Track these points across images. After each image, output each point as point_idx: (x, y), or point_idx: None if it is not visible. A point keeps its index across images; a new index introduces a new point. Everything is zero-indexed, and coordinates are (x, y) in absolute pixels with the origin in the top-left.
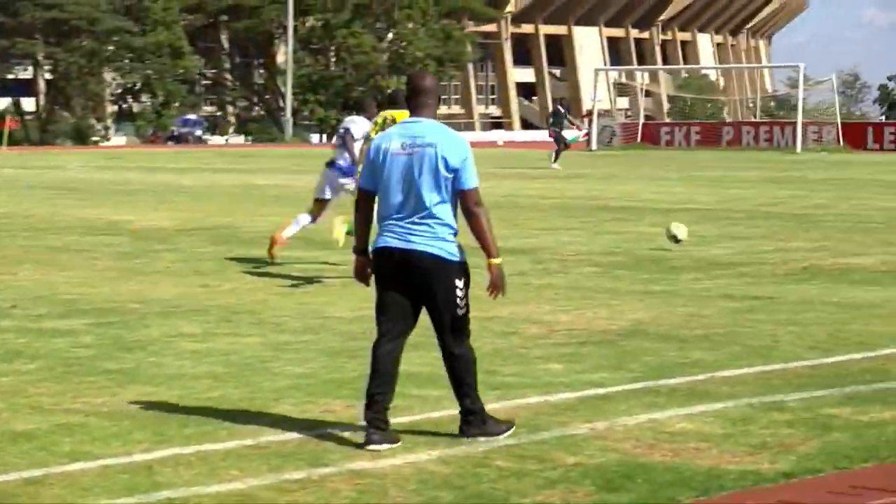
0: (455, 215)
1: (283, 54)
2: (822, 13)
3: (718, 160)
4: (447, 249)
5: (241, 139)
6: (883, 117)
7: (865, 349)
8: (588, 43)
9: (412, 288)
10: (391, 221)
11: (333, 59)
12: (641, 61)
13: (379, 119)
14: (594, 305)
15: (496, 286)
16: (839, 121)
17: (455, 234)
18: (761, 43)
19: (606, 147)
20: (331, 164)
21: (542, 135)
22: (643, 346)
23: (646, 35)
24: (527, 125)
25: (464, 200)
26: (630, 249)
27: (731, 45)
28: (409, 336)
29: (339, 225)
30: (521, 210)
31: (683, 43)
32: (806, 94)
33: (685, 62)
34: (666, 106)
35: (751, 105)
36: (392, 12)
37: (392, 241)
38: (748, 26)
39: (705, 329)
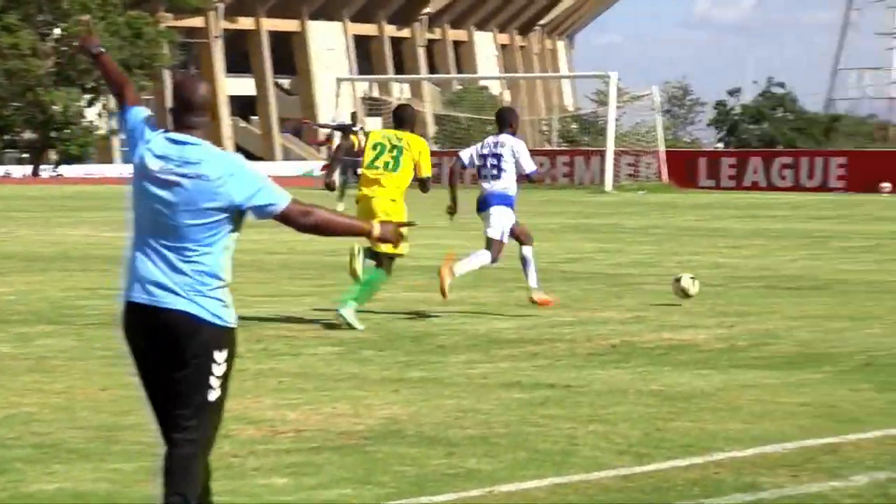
0: (224, 262)
1: None
2: (640, 7)
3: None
4: (206, 306)
5: None
6: (720, 144)
7: (693, 454)
8: (328, 44)
9: (160, 357)
10: (141, 265)
11: None
12: (400, 68)
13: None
14: (333, 398)
15: (388, 231)
16: (663, 149)
17: (223, 288)
18: (560, 45)
19: (353, 185)
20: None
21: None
22: (398, 452)
23: (406, 33)
24: (244, 155)
25: (291, 221)
26: (382, 322)
27: (521, 48)
28: None
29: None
30: (237, 270)
31: (457, 44)
32: (619, 113)
33: (459, 69)
34: (432, 128)
35: (545, 128)
36: (59, 1)
37: (137, 296)
38: (542, 22)
39: (482, 429)
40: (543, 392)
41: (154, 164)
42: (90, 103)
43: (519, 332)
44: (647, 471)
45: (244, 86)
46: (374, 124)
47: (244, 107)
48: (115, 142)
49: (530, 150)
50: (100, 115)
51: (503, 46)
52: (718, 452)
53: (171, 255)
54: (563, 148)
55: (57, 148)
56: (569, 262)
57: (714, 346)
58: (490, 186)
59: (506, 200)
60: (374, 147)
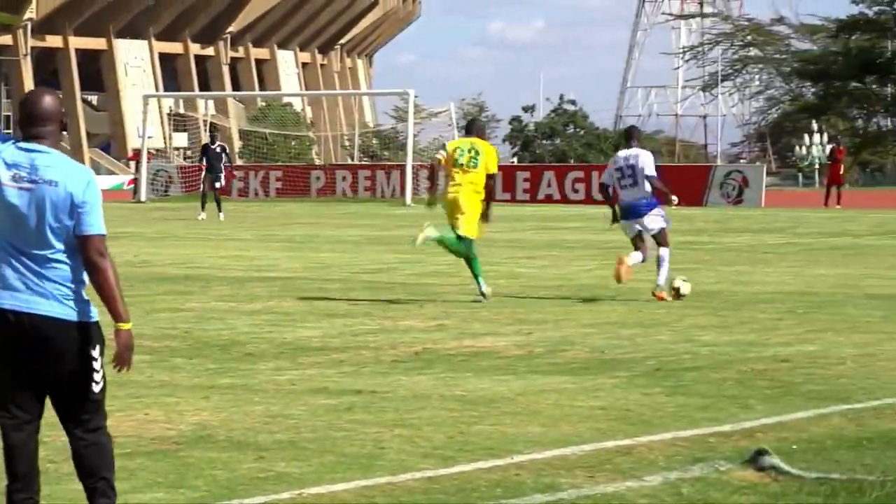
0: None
1: None
2: (436, 26)
3: (307, 214)
4: (74, 306)
5: None
6: (514, 159)
7: (495, 456)
8: (134, 61)
9: (30, 360)
10: (3, 272)
11: None
12: (205, 86)
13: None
14: (145, 405)
15: (124, 359)
16: None
17: (84, 288)
18: (360, 63)
19: (161, 197)
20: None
21: None
22: (210, 456)
23: (210, 51)
24: None
25: (87, 249)
26: (191, 331)
27: (322, 66)
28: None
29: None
30: None
31: (259, 62)
32: (417, 129)
33: (262, 86)
34: (238, 143)
35: (347, 143)
36: None
37: (8, 302)
38: (342, 42)
39: (291, 433)
40: (350, 398)
41: (6, 174)
42: None
43: (324, 340)
44: (452, 473)
45: None
46: (180, 140)
47: None
48: None
49: (332, 165)
50: None
51: (304, 64)
52: (519, 455)
53: (32, 261)
54: (364, 163)
55: None
56: (372, 273)
57: (513, 353)
58: (632, 196)
59: (651, 205)
60: (456, 153)
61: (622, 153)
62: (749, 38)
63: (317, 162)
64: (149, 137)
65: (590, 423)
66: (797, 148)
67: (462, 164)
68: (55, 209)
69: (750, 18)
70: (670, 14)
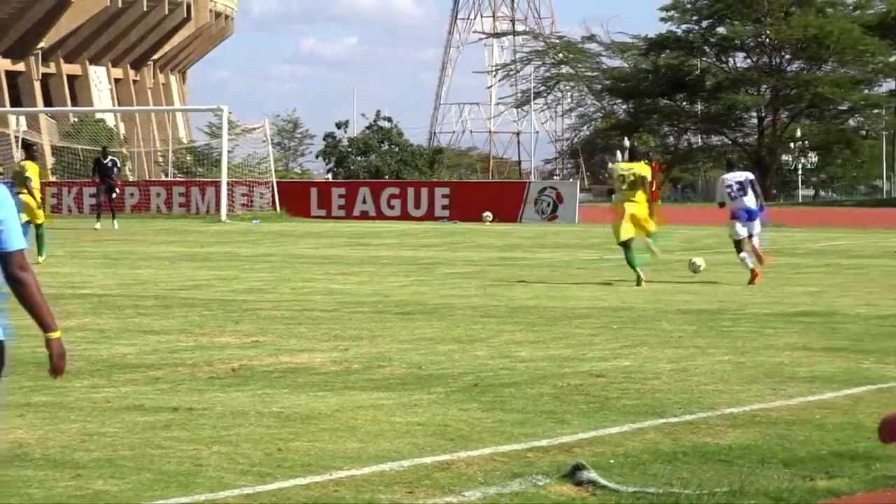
0: None
1: None
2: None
3: (121, 231)
4: None
5: None
6: (329, 175)
7: (313, 472)
8: None
9: None
10: None
11: None
12: (17, 101)
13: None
14: None
15: (60, 366)
16: (275, 180)
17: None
18: (173, 79)
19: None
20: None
21: None
22: (25, 475)
23: (21, 67)
24: None
25: (10, 264)
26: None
27: (135, 82)
28: None
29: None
30: None
31: (71, 78)
32: (232, 145)
33: (75, 102)
34: (51, 160)
35: (161, 159)
36: None
37: None
38: (155, 58)
39: (108, 451)
40: (166, 415)
41: None
42: None
43: (140, 358)
44: (270, 489)
45: None
46: None
47: None
48: None
49: (146, 181)
50: None
51: (117, 80)
52: (337, 471)
53: None
54: (178, 179)
55: None
56: (186, 290)
57: (330, 369)
58: (745, 202)
59: (758, 212)
60: (622, 176)
61: (730, 175)
62: (561, 55)
63: (130, 178)
64: None
65: (408, 438)
66: (609, 164)
67: (630, 188)
68: None
69: (561, 36)
70: (482, 32)
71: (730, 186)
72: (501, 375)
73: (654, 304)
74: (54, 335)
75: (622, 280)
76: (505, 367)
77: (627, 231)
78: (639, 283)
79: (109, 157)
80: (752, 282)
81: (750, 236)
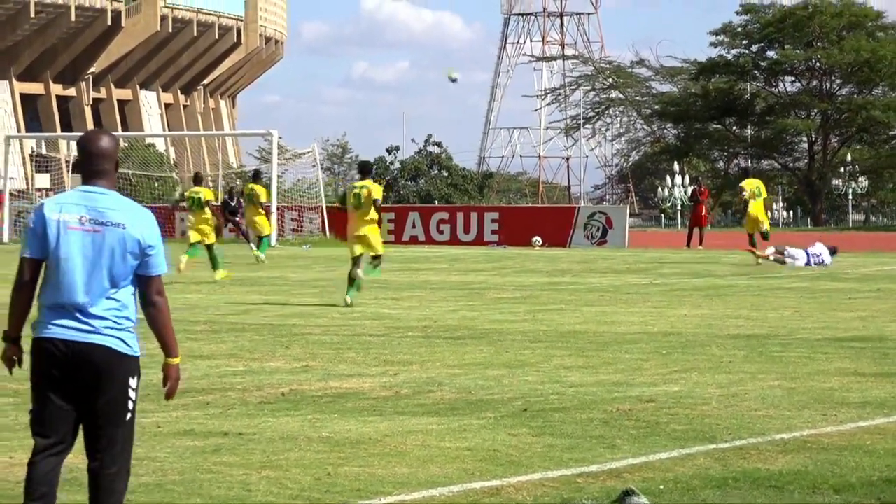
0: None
1: None
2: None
3: (172, 255)
4: (126, 341)
5: None
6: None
7: (362, 497)
8: None
9: (77, 388)
10: (60, 307)
11: None
12: (68, 126)
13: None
14: (10, 448)
15: (173, 390)
16: (324, 204)
17: (135, 325)
18: (223, 103)
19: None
20: None
21: None
22: (75, 500)
23: (72, 92)
24: None
25: (149, 288)
26: None
27: (185, 106)
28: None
29: None
30: None
31: (122, 102)
32: (282, 170)
33: (125, 127)
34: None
35: (211, 184)
36: None
37: (59, 332)
38: (205, 83)
39: (157, 476)
40: (216, 440)
41: (71, 217)
42: None
43: (190, 382)
44: None
45: None
46: (42, 181)
47: None
48: None
49: None
50: None
51: (167, 105)
52: (387, 496)
53: (92, 298)
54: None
55: None
56: (237, 314)
57: (379, 394)
58: None
59: None
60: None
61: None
62: (610, 80)
63: (181, 203)
64: (11, 179)
65: (457, 463)
66: (659, 189)
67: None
68: (122, 251)
69: (611, 61)
70: (532, 56)
71: None
72: (551, 400)
73: (704, 329)
74: (174, 361)
75: (669, 304)
76: (554, 391)
77: None
78: None
79: (237, 199)
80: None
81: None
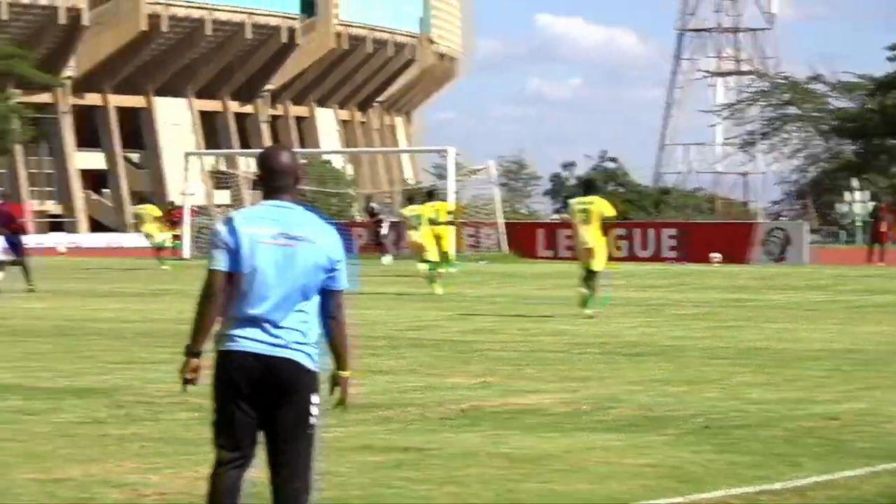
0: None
1: None
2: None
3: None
4: (312, 356)
5: None
6: (556, 216)
7: None
8: (174, 119)
9: (263, 402)
10: (250, 321)
11: None
12: (245, 143)
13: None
14: (194, 462)
15: (346, 400)
16: (501, 220)
17: (318, 341)
18: (399, 120)
19: (205, 255)
20: None
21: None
22: None
23: (249, 109)
24: (98, 226)
25: (332, 302)
26: None
27: (361, 123)
28: None
29: None
30: (93, 337)
31: (299, 119)
32: (458, 187)
33: (302, 144)
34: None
35: (388, 200)
36: None
37: (249, 345)
38: (380, 99)
39: (338, 491)
40: (397, 455)
41: (263, 231)
42: None
43: (370, 397)
44: None
45: (95, 160)
46: (222, 197)
47: (96, 180)
48: None
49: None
50: None
51: (344, 122)
52: None
53: (280, 313)
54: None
55: None
56: (415, 330)
57: (559, 410)
58: None
59: None
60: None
61: None
62: (786, 95)
63: (357, 219)
64: (191, 195)
65: (639, 480)
66: (838, 205)
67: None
68: (314, 265)
69: (787, 76)
70: (706, 71)
71: None
72: (732, 417)
73: (887, 346)
74: (346, 374)
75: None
76: (736, 408)
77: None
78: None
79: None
80: None
81: None
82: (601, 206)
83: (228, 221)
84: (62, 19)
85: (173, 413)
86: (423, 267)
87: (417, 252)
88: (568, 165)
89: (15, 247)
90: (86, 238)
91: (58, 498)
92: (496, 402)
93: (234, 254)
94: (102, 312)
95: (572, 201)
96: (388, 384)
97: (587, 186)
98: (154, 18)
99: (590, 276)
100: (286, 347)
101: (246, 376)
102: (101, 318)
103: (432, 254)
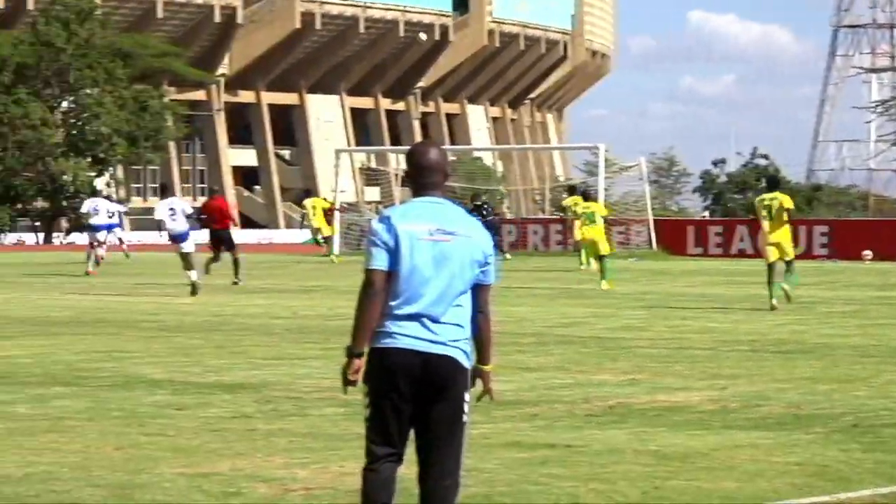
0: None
1: None
2: (627, 81)
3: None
4: (466, 352)
5: None
6: (706, 213)
7: None
8: (326, 116)
9: (419, 398)
10: (408, 318)
11: None
12: (396, 140)
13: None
14: (341, 457)
15: (491, 392)
16: (651, 217)
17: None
18: (550, 117)
19: (354, 251)
20: None
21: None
22: None
23: (400, 106)
24: (249, 222)
25: (482, 297)
26: None
27: (512, 120)
28: None
29: None
30: (242, 333)
31: (450, 116)
32: (608, 183)
33: (452, 140)
34: None
35: (538, 197)
36: (67, 74)
37: (409, 342)
38: (532, 96)
39: (485, 487)
40: (544, 451)
41: (420, 228)
42: (99, 173)
43: (518, 394)
44: None
45: (247, 156)
46: (372, 194)
47: (247, 177)
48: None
49: (523, 219)
50: (108, 184)
51: (495, 119)
52: None
53: (439, 309)
54: (555, 216)
55: (67, 216)
56: (563, 327)
57: (707, 408)
58: None
59: None
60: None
61: None
62: None
63: (508, 216)
64: (341, 192)
65: (786, 478)
66: None
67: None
68: (470, 260)
69: None
70: (861, 68)
71: None
72: (882, 416)
73: None
74: (489, 368)
75: None
76: (885, 407)
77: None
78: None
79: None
80: None
81: None
82: (783, 201)
83: (386, 220)
84: (217, 17)
85: (321, 408)
86: (593, 264)
87: (590, 247)
88: (718, 163)
89: (224, 241)
90: (236, 234)
91: (205, 492)
92: (643, 400)
93: (393, 252)
94: (251, 308)
95: (757, 199)
96: (535, 381)
97: (771, 183)
98: (308, 16)
99: (771, 269)
100: (445, 345)
101: (405, 373)
102: (251, 314)
103: (604, 248)
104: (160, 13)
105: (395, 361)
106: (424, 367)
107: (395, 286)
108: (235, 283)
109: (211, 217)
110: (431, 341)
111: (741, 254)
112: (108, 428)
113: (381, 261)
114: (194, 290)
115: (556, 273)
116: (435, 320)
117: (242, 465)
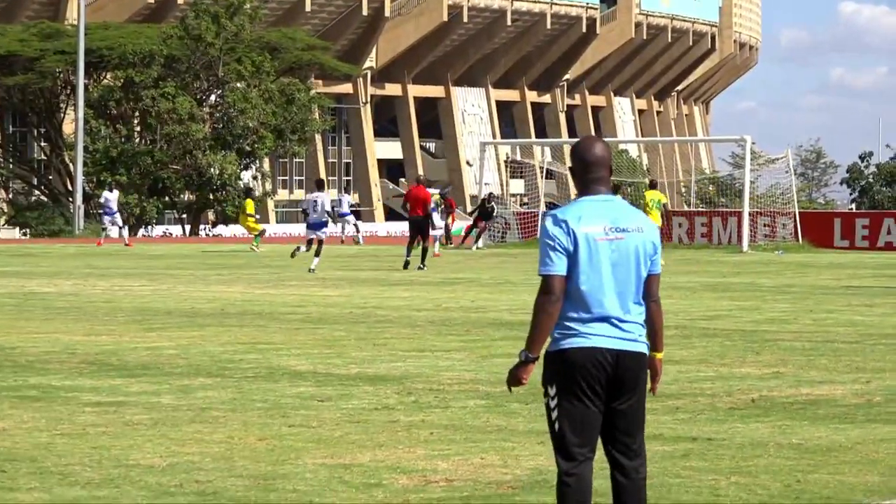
0: None
1: (72, 121)
2: (774, 73)
3: None
4: (648, 344)
5: (15, 232)
6: (853, 206)
7: None
8: (471, 109)
9: (611, 393)
10: (597, 317)
11: (138, 129)
12: (541, 132)
13: None
14: (482, 449)
15: (657, 379)
16: (797, 210)
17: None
18: (696, 109)
19: (498, 244)
20: None
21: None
22: (546, 501)
23: (546, 98)
24: (393, 214)
25: (653, 286)
26: (532, 377)
27: (658, 113)
28: None
29: None
30: (385, 325)
31: (596, 109)
32: (754, 176)
33: (598, 133)
34: (573, 190)
35: (683, 190)
36: (215, 67)
37: (601, 342)
38: (678, 89)
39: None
40: (685, 445)
41: (596, 228)
42: (245, 166)
43: (661, 388)
44: None
45: (392, 149)
46: (516, 187)
47: (392, 169)
48: (270, 203)
49: (668, 211)
50: (254, 177)
51: (641, 112)
52: None
53: (623, 305)
54: (700, 209)
55: (214, 209)
56: (708, 320)
57: (851, 402)
58: None
59: None
60: None
61: None
62: None
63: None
64: (486, 184)
65: None
66: None
67: None
68: (645, 255)
69: None
70: None
71: None
72: None
73: None
74: (659, 355)
75: None
76: None
77: None
78: None
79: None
80: None
81: None
82: None
83: (563, 223)
84: (365, 11)
85: (462, 401)
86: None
87: None
88: (865, 156)
89: (422, 230)
90: (381, 227)
91: (346, 483)
92: (787, 393)
93: (573, 255)
94: (394, 301)
95: None
96: (678, 374)
97: None
98: (455, 9)
99: None
100: (635, 341)
101: (600, 372)
102: (393, 306)
103: None
104: (308, 7)
105: (590, 361)
106: (618, 363)
107: (575, 288)
108: (420, 269)
109: (414, 204)
110: (622, 339)
111: (888, 246)
112: (252, 419)
113: (560, 266)
114: (311, 271)
115: (700, 265)
116: (620, 318)
117: (383, 456)
